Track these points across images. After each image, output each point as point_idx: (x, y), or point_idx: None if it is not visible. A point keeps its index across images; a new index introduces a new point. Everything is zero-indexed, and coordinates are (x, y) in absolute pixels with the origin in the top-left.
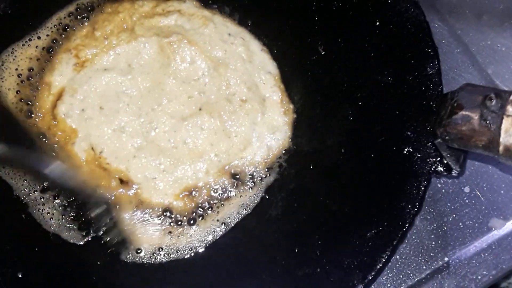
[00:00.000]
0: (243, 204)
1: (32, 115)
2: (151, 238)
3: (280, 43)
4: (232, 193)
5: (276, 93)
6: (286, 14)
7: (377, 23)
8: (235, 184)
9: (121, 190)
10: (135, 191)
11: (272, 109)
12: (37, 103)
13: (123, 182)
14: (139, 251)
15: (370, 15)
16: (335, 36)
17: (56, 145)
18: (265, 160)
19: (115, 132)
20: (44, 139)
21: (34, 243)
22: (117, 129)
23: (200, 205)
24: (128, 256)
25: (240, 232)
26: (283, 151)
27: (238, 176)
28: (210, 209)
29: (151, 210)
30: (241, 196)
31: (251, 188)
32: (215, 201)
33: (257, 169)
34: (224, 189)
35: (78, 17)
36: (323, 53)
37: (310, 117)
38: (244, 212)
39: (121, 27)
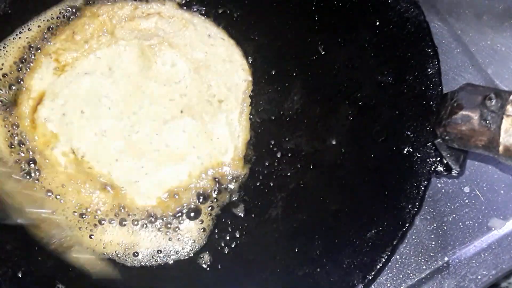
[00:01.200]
0: (228, 205)
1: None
2: (144, 241)
3: (280, 43)
4: (214, 195)
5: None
6: (286, 14)
7: (377, 23)
8: (217, 186)
9: (103, 194)
10: (118, 195)
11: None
12: (16, 107)
13: (106, 186)
14: (136, 254)
15: (370, 15)
16: (335, 36)
17: (35, 149)
18: (242, 161)
19: (97, 135)
20: (22, 144)
21: (34, 243)
22: (98, 132)
23: (184, 206)
24: (125, 259)
25: (240, 232)
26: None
27: (220, 178)
28: (195, 211)
29: (135, 213)
30: (222, 198)
31: (233, 190)
32: (199, 203)
33: (238, 170)
34: (206, 192)
35: (60, 20)
36: (323, 53)
37: (310, 117)
38: (248, 214)
39: (101, 30)
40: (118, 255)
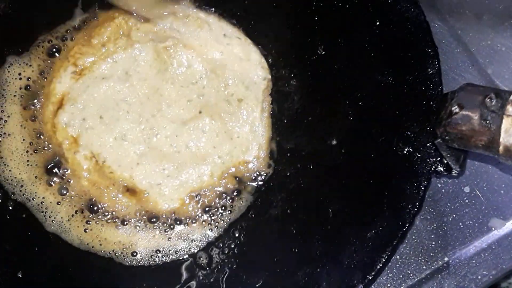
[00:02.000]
0: (247, 205)
1: (36, 120)
2: (149, 241)
3: (280, 43)
4: (236, 195)
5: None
6: (286, 14)
7: (377, 23)
8: (238, 185)
9: (126, 198)
10: (141, 198)
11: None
12: (40, 111)
13: (128, 189)
14: (134, 253)
15: (370, 15)
16: (335, 36)
17: (59, 153)
18: (266, 159)
19: (117, 140)
20: (46, 148)
21: (34, 243)
22: (118, 137)
23: (206, 208)
24: (126, 259)
25: (240, 232)
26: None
27: (241, 178)
28: (215, 211)
29: (156, 215)
30: (245, 198)
31: (255, 189)
32: (220, 204)
33: (260, 169)
34: (228, 191)
35: (78, 24)
36: (323, 53)
37: (310, 117)
38: (247, 214)
39: (118, 33)
40: (116, 254)
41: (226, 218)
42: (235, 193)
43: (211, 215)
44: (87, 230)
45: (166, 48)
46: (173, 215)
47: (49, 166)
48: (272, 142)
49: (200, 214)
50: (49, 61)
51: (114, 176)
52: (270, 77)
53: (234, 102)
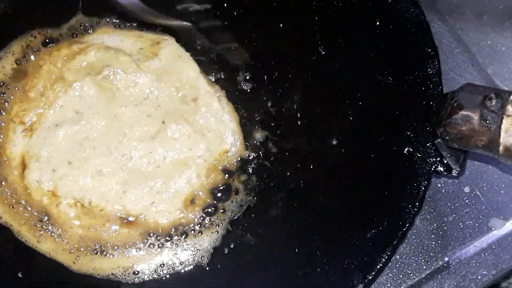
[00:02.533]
0: (247, 205)
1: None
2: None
3: (280, 43)
4: (229, 186)
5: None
6: (286, 14)
7: (377, 23)
8: (228, 177)
9: (126, 228)
10: (140, 223)
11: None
12: (7, 179)
13: (125, 219)
14: (136, 272)
15: (370, 15)
16: (335, 36)
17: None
18: (242, 143)
19: (94, 178)
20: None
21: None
22: (94, 174)
23: (204, 210)
24: (128, 278)
25: (240, 232)
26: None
27: (227, 169)
28: (213, 211)
29: (160, 233)
30: (238, 188)
31: (247, 176)
32: (216, 200)
33: (240, 154)
34: (220, 185)
35: (6, 83)
36: (323, 53)
37: (310, 117)
38: (247, 214)
39: (51, 79)
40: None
41: (226, 218)
42: (226, 186)
43: (210, 218)
44: (94, 268)
45: (105, 77)
46: (177, 228)
47: (37, 225)
48: (244, 125)
49: (199, 218)
50: None
51: (105, 212)
52: (198, 68)
53: (190, 102)
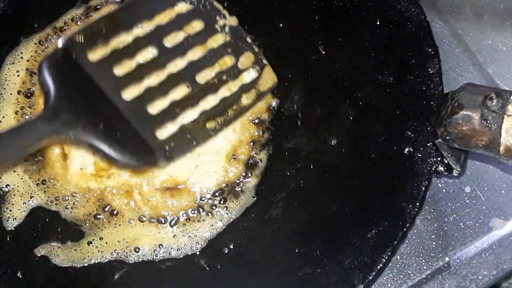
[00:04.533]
0: (247, 205)
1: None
2: (146, 237)
3: (280, 43)
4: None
5: None
6: (286, 14)
7: (378, 23)
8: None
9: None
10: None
11: None
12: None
13: (172, 189)
14: (137, 249)
15: (371, 15)
16: (335, 36)
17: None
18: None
19: None
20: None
21: (34, 243)
22: None
23: (249, 160)
24: (127, 255)
25: (240, 232)
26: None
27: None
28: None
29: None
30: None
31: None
32: (256, 155)
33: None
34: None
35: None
36: (323, 53)
37: (310, 117)
38: (247, 214)
39: None
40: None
41: (226, 216)
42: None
43: (212, 211)
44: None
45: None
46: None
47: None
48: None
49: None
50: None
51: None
52: None
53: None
